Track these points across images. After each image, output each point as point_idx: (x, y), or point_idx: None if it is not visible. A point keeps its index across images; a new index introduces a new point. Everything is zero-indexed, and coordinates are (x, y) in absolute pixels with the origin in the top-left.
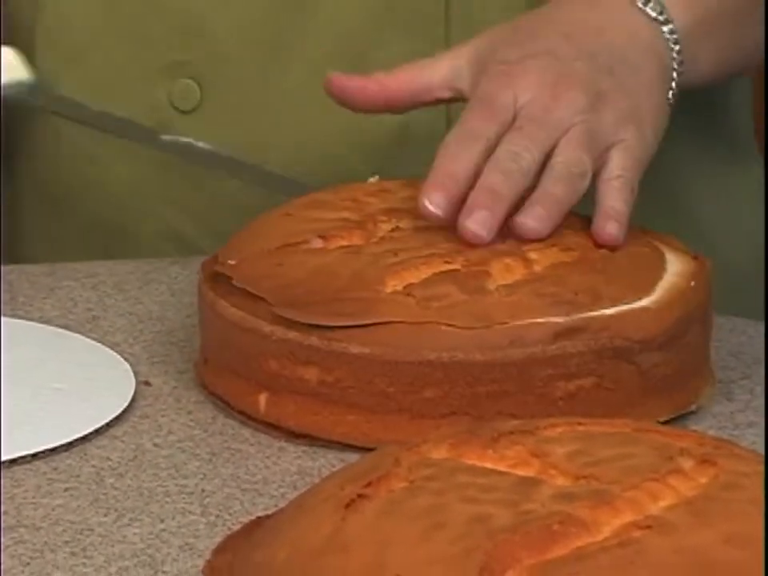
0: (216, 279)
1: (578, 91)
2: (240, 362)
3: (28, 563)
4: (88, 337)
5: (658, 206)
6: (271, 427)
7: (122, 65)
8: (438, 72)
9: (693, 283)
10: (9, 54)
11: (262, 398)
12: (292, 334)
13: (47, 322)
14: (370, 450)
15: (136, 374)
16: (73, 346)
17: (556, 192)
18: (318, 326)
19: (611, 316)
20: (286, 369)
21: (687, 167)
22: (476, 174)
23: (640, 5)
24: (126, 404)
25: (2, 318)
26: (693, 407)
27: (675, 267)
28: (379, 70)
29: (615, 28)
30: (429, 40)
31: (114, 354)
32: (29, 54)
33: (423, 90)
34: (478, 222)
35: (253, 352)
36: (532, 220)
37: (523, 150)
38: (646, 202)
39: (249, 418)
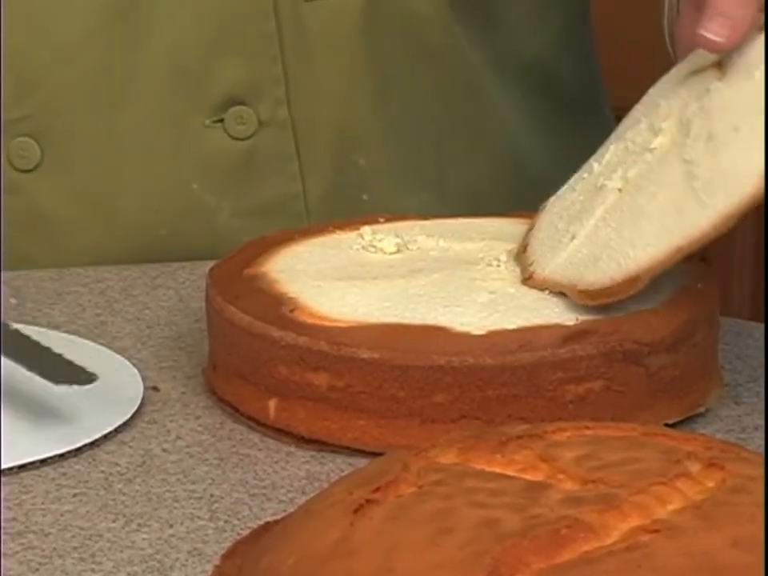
0: (224, 284)
1: None
2: (249, 367)
3: (37, 569)
4: (96, 342)
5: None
6: (281, 433)
7: None
8: None
9: (700, 285)
10: None
11: (272, 404)
12: (301, 340)
13: (55, 327)
14: (379, 454)
15: (144, 379)
16: (80, 351)
17: None
18: (327, 330)
19: (619, 318)
20: (295, 374)
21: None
22: None
23: None
24: (134, 409)
25: (9, 323)
26: (701, 409)
27: (682, 268)
28: (218, 96)
29: None
30: (265, 58)
31: (122, 359)
32: None
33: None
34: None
35: (262, 357)
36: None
37: None
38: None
39: (258, 423)
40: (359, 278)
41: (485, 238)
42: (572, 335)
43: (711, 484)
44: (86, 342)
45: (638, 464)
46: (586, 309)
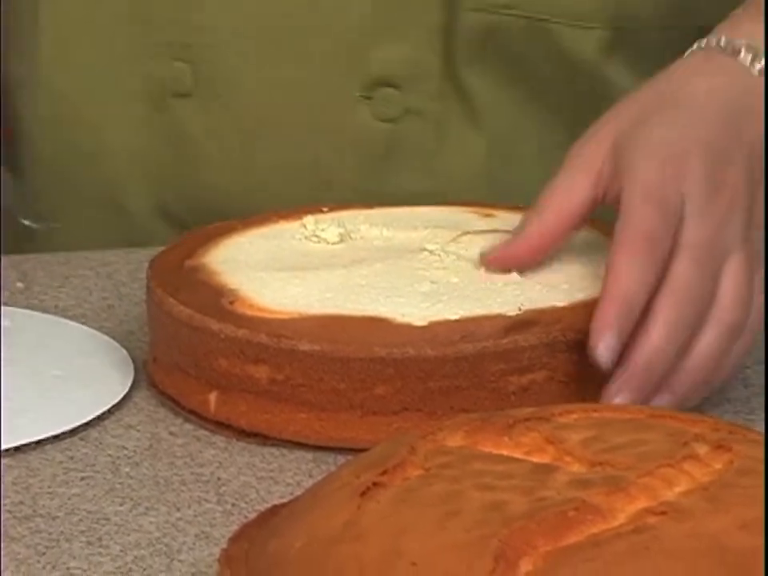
0: (164, 276)
1: (741, 205)
2: (189, 360)
3: (44, 553)
4: (103, 326)
5: None
6: (222, 426)
7: (120, 44)
8: (583, 193)
9: None
10: None
11: (212, 397)
12: (241, 332)
13: (62, 311)
14: (321, 447)
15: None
16: (69, 334)
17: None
18: (267, 323)
19: (563, 308)
20: (235, 367)
21: None
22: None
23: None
24: (121, 395)
25: (1, 306)
26: None
27: None
28: (375, 72)
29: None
30: (426, 47)
31: (113, 341)
32: (32, 36)
33: (575, 218)
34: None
35: (202, 350)
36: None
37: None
38: None
39: (199, 417)
40: (301, 269)
41: (428, 227)
42: (514, 325)
43: (719, 466)
44: (76, 324)
45: (644, 446)
46: (529, 299)
